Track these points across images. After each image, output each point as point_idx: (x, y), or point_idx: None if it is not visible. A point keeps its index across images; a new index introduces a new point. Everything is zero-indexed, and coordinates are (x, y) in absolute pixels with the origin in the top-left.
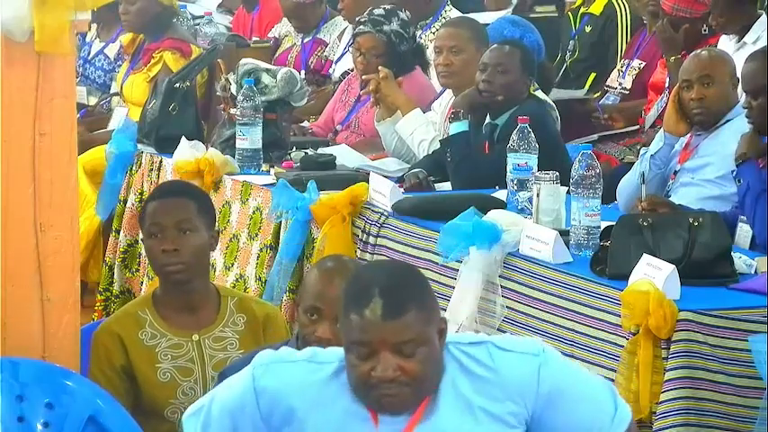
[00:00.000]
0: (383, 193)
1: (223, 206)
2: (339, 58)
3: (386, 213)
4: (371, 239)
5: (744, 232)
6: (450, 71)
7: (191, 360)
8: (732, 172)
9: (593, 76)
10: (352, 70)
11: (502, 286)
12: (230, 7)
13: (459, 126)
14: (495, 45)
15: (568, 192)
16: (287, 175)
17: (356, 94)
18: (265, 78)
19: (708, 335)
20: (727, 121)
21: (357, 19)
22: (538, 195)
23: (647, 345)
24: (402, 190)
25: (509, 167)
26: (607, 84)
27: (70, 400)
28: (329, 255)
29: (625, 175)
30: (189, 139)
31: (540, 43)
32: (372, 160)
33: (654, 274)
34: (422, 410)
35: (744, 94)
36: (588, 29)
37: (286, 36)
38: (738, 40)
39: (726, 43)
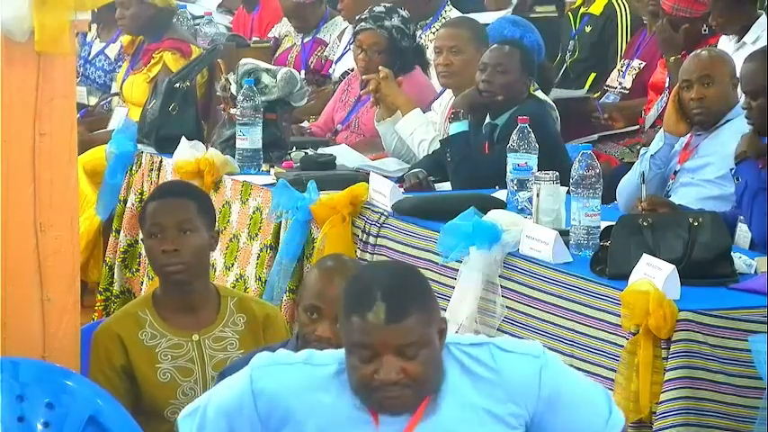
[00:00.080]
0: (383, 193)
1: (223, 206)
2: (339, 58)
3: (386, 213)
4: (371, 239)
5: (743, 232)
6: (450, 71)
7: (191, 360)
8: (731, 170)
9: (593, 76)
10: (352, 70)
11: (502, 286)
12: (230, 7)
13: (459, 126)
14: (494, 45)
15: (568, 192)
16: (287, 175)
17: (356, 94)
18: (265, 78)
19: (708, 335)
20: (728, 121)
21: (357, 17)
22: (538, 195)
23: (646, 345)
24: (402, 190)
25: (509, 167)
26: (607, 84)
27: (70, 400)
28: (329, 254)
29: (625, 175)
30: (189, 139)
31: (540, 43)
32: (372, 160)
33: (654, 274)
34: (422, 410)
35: (743, 94)
36: (588, 29)
37: (286, 36)
38: (738, 41)
39: (725, 43)
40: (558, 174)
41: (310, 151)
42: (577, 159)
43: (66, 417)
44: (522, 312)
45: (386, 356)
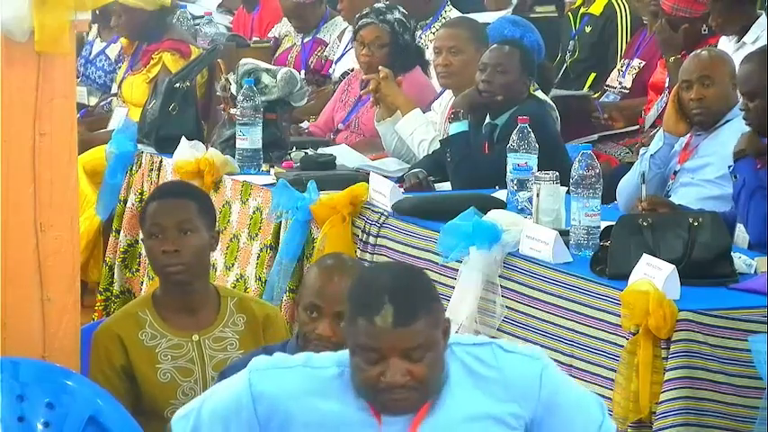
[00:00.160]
0: (383, 193)
1: (223, 206)
2: (339, 58)
3: (386, 213)
4: (371, 239)
5: (742, 233)
6: (450, 71)
7: (191, 360)
8: (729, 167)
9: (593, 76)
10: (352, 70)
11: (502, 286)
12: (230, 7)
13: (459, 126)
14: (494, 45)
15: (568, 192)
16: (287, 175)
17: (356, 94)
18: (265, 78)
19: (708, 335)
20: (727, 121)
21: (358, 15)
22: (538, 195)
23: (646, 345)
24: (402, 190)
25: (509, 167)
26: (607, 83)
27: (70, 400)
28: (329, 253)
29: (625, 175)
30: (189, 139)
31: (540, 43)
32: (372, 160)
33: (654, 274)
34: (425, 410)
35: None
36: (588, 29)
37: (286, 36)
38: (738, 41)
39: (725, 43)
40: (558, 174)
41: (310, 151)
42: (577, 159)
43: (66, 417)
44: (522, 312)
45: (392, 359)
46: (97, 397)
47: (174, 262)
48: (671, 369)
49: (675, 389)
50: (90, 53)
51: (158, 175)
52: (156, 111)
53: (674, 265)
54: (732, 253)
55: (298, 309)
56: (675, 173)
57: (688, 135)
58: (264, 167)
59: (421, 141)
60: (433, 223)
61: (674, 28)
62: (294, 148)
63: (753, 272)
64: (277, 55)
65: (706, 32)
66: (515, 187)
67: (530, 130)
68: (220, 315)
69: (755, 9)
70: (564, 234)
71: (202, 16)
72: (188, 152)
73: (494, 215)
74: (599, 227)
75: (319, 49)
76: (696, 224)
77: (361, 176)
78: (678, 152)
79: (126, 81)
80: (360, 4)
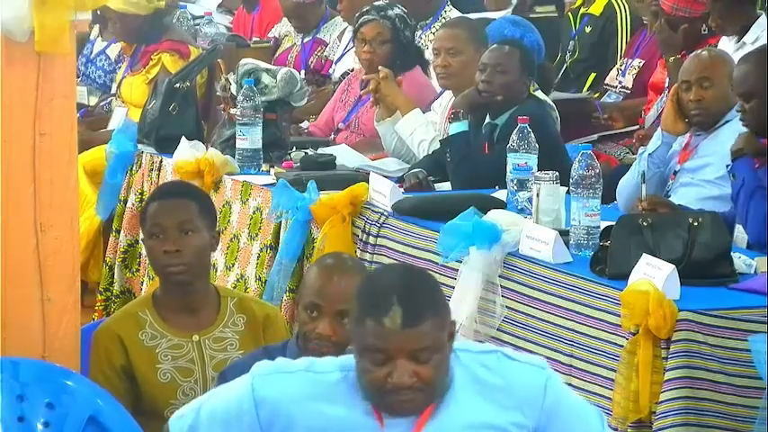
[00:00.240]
0: (383, 193)
1: (223, 206)
2: (339, 58)
3: (386, 213)
4: (371, 239)
5: (741, 233)
6: (448, 73)
7: (191, 361)
8: (727, 167)
9: (592, 76)
10: (352, 70)
11: (502, 286)
12: (230, 7)
13: (459, 126)
14: (494, 45)
15: (568, 192)
16: (287, 175)
17: (356, 94)
18: (265, 78)
19: (708, 335)
20: (727, 121)
21: (358, 14)
22: (538, 195)
23: (646, 345)
24: (402, 190)
25: (509, 167)
26: (606, 82)
27: (70, 400)
28: (329, 252)
29: (625, 175)
30: (189, 139)
31: (541, 43)
32: (372, 160)
33: (654, 274)
34: (428, 414)
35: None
36: (588, 29)
37: (286, 36)
38: (738, 41)
39: (725, 43)
40: (557, 174)
41: (310, 151)
42: (577, 159)
43: (66, 417)
44: (522, 312)
45: (399, 360)
46: (97, 397)
47: (175, 262)
48: (671, 369)
49: (675, 389)
50: (91, 52)
51: (158, 175)
52: (156, 111)
53: (674, 265)
54: (732, 253)
55: (298, 308)
56: (675, 173)
57: (688, 135)
58: (264, 167)
59: (421, 141)
60: (433, 223)
61: (674, 28)
62: (294, 148)
63: (753, 272)
64: (277, 55)
65: (706, 32)
66: (515, 187)
67: (530, 130)
68: (220, 315)
69: (755, 9)
70: (564, 234)
71: (202, 16)
72: (188, 152)
73: (494, 215)
74: (599, 227)
75: (319, 49)
76: (696, 224)
77: (361, 176)
78: (678, 152)
79: (125, 81)
80: (359, 4)
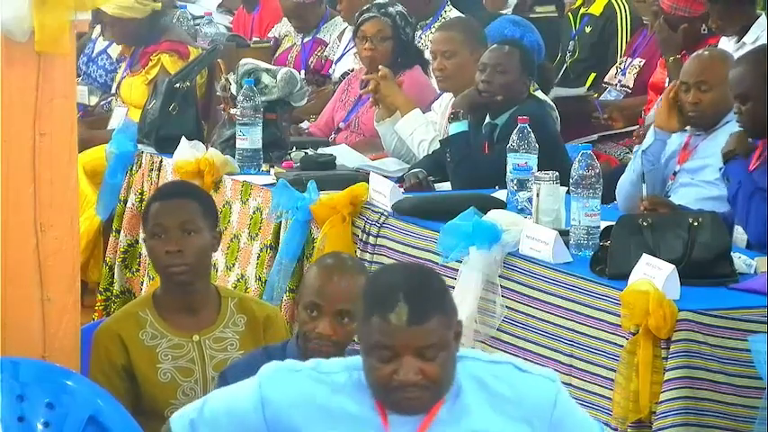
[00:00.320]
0: (383, 193)
1: (223, 206)
2: (339, 58)
3: (386, 213)
4: (371, 239)
5: (740, 234)
6: (445, 76)
7: (191, 360)
8: (720, 169)
9: (592, 76)
10: (352, 70)
11: (502, 286)
12: (230, 7)
13: (459, 126)
14: (494, 45)
15: (568, 192)
16: (287, 175)
17: (356, 94)
18: (265, 78)
19: (708, 335)
20: (727, 122)
21: (358, 12)
22: (538, 195)
23: (646, 345)
24: (402, 190)
25: (509, 167)
26: (605, 81)
27: (70, 400)
28: (329, 252)
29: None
30: (189, 139)
31: (541, 43)
32: (372, 160)
33: (654, 274)
34: (433, 416)
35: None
36: (588, 29)
37: (286, 36)
38: (738, 41)
39: (725, 44)
40: (557, 174)
41: (310, 151)
42: (577, 159)
43: (66, 417)
44: (522, 312)
45: (405, 357)
46: (97, 397)
47: (177, 262)
48: (671, 369)
49: (675, 389)
50: (92, 51)
51: (158, 175)
52: (156, 111)
53: (673, 265)
54: (732, 253)
55: (298, 308)
56: (675, 173)
57: (687, 135)
58: (264, 167)
59: (421, 141)
60: (433, 223)
61: (673, 27)
62: (294, 148)
63: (753, 272)
64: (277, 55)
65: (705, 32)
66: (515, 187)
67: (530, 130)
68: (221, 315)
69: (755, 9)
70: (564, 234)
71: (202, 16)
72: (188, 152)
73: (494, 215)
74: (599, 227)
75: (319, 49)
76: (696, 224)
77: (361, 176)
78: (677, 152)
79: (125, 82)
80: (359, 4)
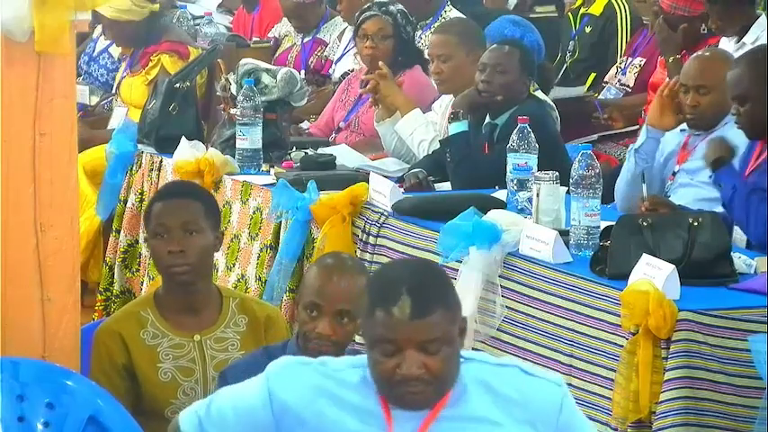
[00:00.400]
0: (383, 193)
1: (223, 206)
2: (339, 59)
3: (386, 213)
4: (371, 239)
5: (739, 234)
6: (442, 79)
7: (192, 360)
8: (709, 177)
9: (592, 76)
10: (352, 70)
11: (502, 286)
12: (230, 7)
13: (459, 126)
14: (494, 45)
15: (568, 192)
16: (287, 175)
17: (356, 94)
18: (265, 78)
19: (708, 335)
20: (726, 123)
21: (359, 12)
22: (538, 195)
23: (646, 345)
24: (402, 190)
25: (509, 167)
26: (605, 80)
27: (70, 400)
28: (328, 252)
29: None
30: (189, 139)
31: (541, 43)
32: (372, 160)
33: (654, 274)
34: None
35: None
36: (588, 29)
37: (286, 36)
38: (738, 41)
39: (725, 44)
40: (557, 174)
41: (310, 151)
42: (577, 159)
43: (66, 417)
44: (522, 312)
45: (408, 351)
46: (97, 397)
47: (180, 262)
48: (671, 369)
49: (675, 389)
50: (94, 50)
51: (158, 175)
52: (156, 111)
53: (673, 265)
54: (732, 253)
55: (298, 308)
56: (674, 174)
57: (686, 135)
58: (264, 167)
59: (421, 141)
60: (433, 223)
61: (673, 27)
62: (294, 148)
63: (753, 272)
64: (277, 55)
65: (705, 32)
66: (515, 187)
67: (530, 130)
68: (222, 315)
69: (754, 9)
70: (564, 234)
71: (202, 16)
72: (188, 152)
73: (494, 215)
74: (599, 227)
75: (319, 49)
76: (696, 224)
77: (361, 176)
78: (676, 152)
79: (125, 82)
80: (359, 4)
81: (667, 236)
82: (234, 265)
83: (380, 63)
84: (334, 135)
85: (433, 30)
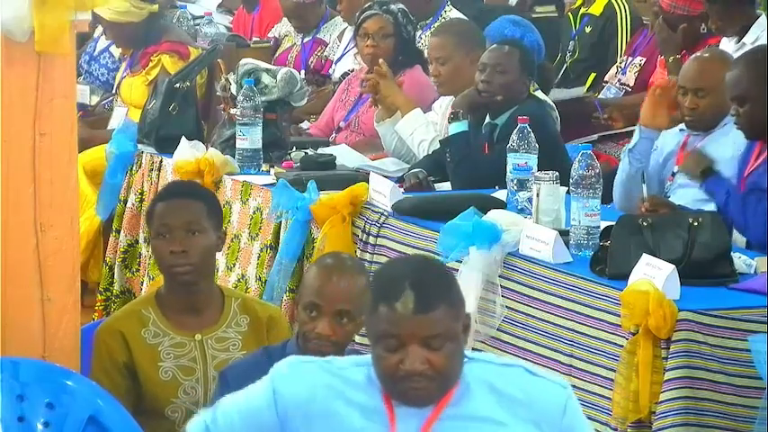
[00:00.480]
0: (383, 193)
1: (223, 206)
2: (339, 59)
3: (386, 213)
4: (371, 239)
5: (739, 235)
6: (440, 81)
7: (193, 359)
8: (700, 187)
9: (592, 76)
10: (352, 71)
11: (502, 286)
12: (230, 7)
13: (459, 126)
14: (494, 45)
15: (568, 192)
16: (287, 175)
17: (356, 94)
18: (265, 78)
19: (708, 335)
20: (725, 124)
21: (359, 11)
22: (538, 195)
23: (646, 345)
24: (402, 190)
25: (509, 167)
26: (605, 80)
27: (70, 400)
28: (328, 252)
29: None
30: (189, 139)
31: (541, 43)
32: (372, 160)
33: (654, 274)
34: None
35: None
36: (588, 29)
37: (286, 36)
38: (738, 41)
39: (725, 44)
40: (557, 174)
41: (310, 151)
42: (577, 159)
43: (66, 417)
44: (522, 312)
45: (411, 346)
46: (97, 397)
47: (182, 262)
48: (671, 369)
49: (675, 389)
50: (94, 50)
51: (158, 175)
52: (156, 111)
53: (673, 265)
54: (732, 253)
55: (298, 308)
56: (674, 174)
57: (685, 135)
58: (264, 167)
59: (421, 141)
60: (433, 223)
61: (673, 27)
62: (294, 148)
63: (753, 272)
64: (277, 55)
65: (705, 32)
66: (515, 187)
67: (530, 130)
68: (224, 315)
69: (754, 9)
70: (564, 234)
71: (202, 16)
72: (188, 152)
73: (494, 215)
74: (599, 227)
75: (319, 49)
76: (696, 224)
77: (361, 176)
78: (676, 153)
79: (125, 82)
80: (359, 4)
81: (667, 236)
82: (234, 265)
83: (380, 61)
84: (334, 135)
85: (433, 29)
